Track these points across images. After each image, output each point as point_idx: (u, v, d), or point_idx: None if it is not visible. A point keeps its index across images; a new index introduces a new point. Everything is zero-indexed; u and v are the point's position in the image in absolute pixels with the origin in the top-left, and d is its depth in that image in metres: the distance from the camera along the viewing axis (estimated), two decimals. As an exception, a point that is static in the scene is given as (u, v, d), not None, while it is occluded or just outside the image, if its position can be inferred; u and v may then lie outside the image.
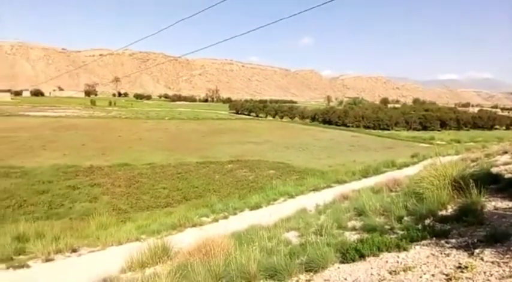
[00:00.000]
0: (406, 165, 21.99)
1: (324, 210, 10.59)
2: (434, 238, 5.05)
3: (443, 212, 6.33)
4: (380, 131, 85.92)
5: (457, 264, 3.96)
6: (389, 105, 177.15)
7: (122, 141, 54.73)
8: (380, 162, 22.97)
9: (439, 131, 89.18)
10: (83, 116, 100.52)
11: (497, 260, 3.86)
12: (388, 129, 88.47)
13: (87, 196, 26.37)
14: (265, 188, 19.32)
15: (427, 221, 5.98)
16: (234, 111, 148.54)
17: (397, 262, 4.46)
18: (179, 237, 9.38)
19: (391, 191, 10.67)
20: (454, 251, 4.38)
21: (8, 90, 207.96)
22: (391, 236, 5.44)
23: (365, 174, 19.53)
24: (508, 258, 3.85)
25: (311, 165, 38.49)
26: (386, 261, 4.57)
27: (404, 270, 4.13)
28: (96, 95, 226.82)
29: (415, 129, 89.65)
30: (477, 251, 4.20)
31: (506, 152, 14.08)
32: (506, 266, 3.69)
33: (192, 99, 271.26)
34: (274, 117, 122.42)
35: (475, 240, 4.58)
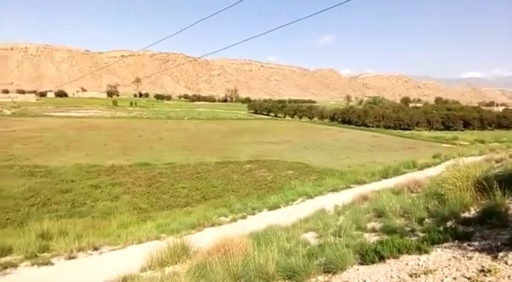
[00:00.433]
0: (428, 166, 21.56)
1: (343, 211, 10.50)
2: (456, 241, 4.94)
3: (466, 214, 6.18)
4: (401, 131, 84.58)
5: (480, 268, 3.87)
6: (410, 105, 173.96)
7: (143, 141, 55.60)
8: (400, 162, 22.59)
9: (462, 131, 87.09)
10: (105, 116, 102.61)
11: (522, 264, 3.75)
12: (409, 129, 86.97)
13: (108, 195, 26.91)
14: (284, 188, 19.28)
15: (449, 223, 5.86)
16: (253, 111, 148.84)
17: (418, 265, 4.39)
18: (198, 237, 9.45)
19: (412, 192, 10.49)
20: (477, 254, 4.28)
21: (34, 92, 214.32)
22: (412, 238, 5.35)
23: (385, 175, 19.23)
24: (533, 262, 3.74)
25: (330, 166, 38.21)
26: (407, 264, 4.50)
27: (425, 273, 4.06)
28: (118, 95, 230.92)
29: (437, 129, 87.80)
30: (501, 254, 4.09)
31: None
32: (532, 270, 3.59)
33: (211, 100, 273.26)
34: (292, 117, 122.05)
35: (499, 243, 4.46)
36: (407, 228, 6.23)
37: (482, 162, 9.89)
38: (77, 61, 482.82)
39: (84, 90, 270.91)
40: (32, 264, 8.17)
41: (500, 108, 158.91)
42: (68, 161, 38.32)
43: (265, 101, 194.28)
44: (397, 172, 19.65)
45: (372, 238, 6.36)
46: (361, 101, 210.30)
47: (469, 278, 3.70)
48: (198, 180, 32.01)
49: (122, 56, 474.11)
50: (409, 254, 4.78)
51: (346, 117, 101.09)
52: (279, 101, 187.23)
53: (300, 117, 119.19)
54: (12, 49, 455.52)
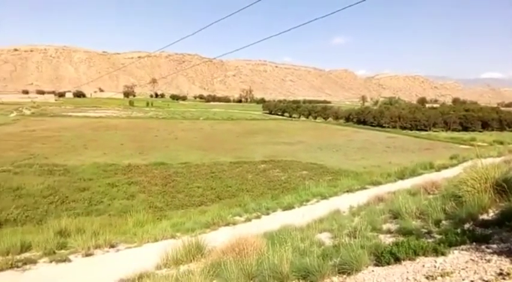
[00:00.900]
0: (445, 167, 21.19)
1: (358, 212, 10.41)
2: (474, 243, 4.86)
3: (484, 216, 6.07)
4: (417, 131, 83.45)
5: (498, 271, 3.80)
6: (427, 105, 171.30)
7: (159, 141, 56.20)
8: (417, 163, 22.26)
9: (480, 131, 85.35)
10: (121, 116, 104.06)
11: (543, 268, 3.67)
12: (426, 130, 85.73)
13: (125, 194, 27.30)
14: (298, 189, 19.22)
15: (466, 225, 5.77)
16: (268, 112, 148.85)
17: (435, 267, 4.33)
18: (213, 236, 9.50)
19: (429, 193, 10.34)
20: (495, 257, 4.20)
21: (53, 92, 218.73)
22: (428, 240, 5.29)
23: (401, 176, 18.97)
24: (554, 266, 3.66)
25: (345, 167, 37.95)
26: (423, 266, 4.44)
27: (441, 276, 4.01)
28: (134, 96, 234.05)
29: (454, 130, 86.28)
30: (520, 257, 4.01)
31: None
32: (553, 274, 3.51)
33: (226, 100, 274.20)
34: (307, 117, 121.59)
35: (518, 246, 4.37)
36: (424, 230, 6.16)
37: (501, 163, 9.69)
38: (95, 62, 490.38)
39: (101, 90, 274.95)
40: (50, 261, 8.32)
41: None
42: (86, 160, 39.02)
43: (279, 101, 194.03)
44: (413, 173, 19.37)
45: (387, 239, 6.31)
46: (376, 102, 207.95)
47: (487, 281, 3.65)
48: (213, 179, 32.20)
49: (139, 57, 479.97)
50: (426, 256, 4.72)
51: (361, 118, 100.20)
52: (294, 102, 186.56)
53: (315, 118, 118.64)
54: (32, 51, 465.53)
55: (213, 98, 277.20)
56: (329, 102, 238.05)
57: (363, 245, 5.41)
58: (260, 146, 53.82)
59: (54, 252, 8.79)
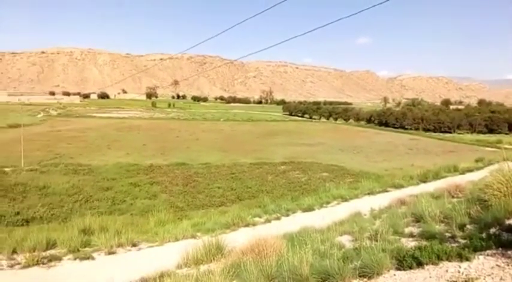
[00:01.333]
0: (470, 170, 20.68)
1: (380, 215, 10.27)
2: (500, 248, 4.73)
3: (511, 221, 5.90)
4: (441, 133, 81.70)
5: (526, 278, 3.69)
6: (451, 107, 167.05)
7: (180, 142, 56.87)
8: (440, 166, 21.79)
9: (506, 134, 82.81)
10: (144, 117, 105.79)
11: None
12: (450, 132, 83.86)
13: (147, 193, 27.76)
14: (318, 191, 19.12)
15: (492, 230, 5.61)
16: (288, 113, 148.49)
17: (459, 272, 4.24)
18: (232, 236, 9.54)
19: (453, 197, 10.12)
20: (523, 263, 4.08)
21: (78, 93, 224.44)
22: (452, 245, 5.18)
23: (424, 178, 18.60)
24: None
25: (366, 169, 37.48)
26: (446, 271, 4.35)
27: (466, 281, 3.92)
28: (156, 97, 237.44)
29: (480, 132, 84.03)
30: (549, 264, 3.88)
31: None
32: None
33: (246, 101, 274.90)
34: (328, 119, 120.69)
35: (547, 252, 4.23)
36: (448, 234, 6.03)
37: (530, 167, 9.38)
38: (118, 64, 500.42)
39: (125, 92, 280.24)
40: (75, 258, 8.54)
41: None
42: (109, 159, 39.85)
43: (300, 102, 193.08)
44: (436, 176, 18.96)
45: (409, 243, 6.20)
46: (399, 103, 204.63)
47: (513, 288, 3.55)
48: (233, 180, 32.35)
49: (161, 59, 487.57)
50: (449, 261, 4.62)
51: (383, 119, 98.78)
52: (314, 103, 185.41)
53: (335, 119, 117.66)
54: (58, 53, 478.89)
55: (234, 100, 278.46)
56: (350, 104, 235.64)
57: (384, 249, 5.34)
58: (280, 148, 53.74)
59: (78, 250, 9.03)
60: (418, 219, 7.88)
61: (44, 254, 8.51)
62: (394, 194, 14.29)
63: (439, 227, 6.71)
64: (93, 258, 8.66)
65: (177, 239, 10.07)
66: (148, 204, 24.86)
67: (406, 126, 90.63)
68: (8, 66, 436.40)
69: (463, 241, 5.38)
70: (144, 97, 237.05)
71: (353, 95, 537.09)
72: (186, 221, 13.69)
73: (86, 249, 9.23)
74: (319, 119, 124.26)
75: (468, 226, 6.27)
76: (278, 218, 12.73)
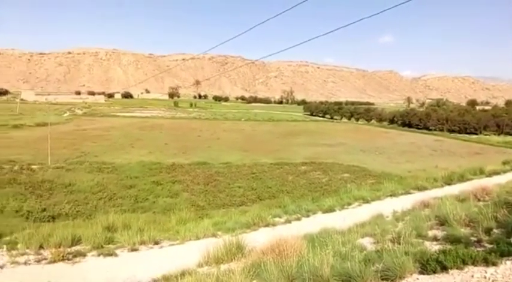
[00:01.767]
0: (497, 173, 20.06)
1: (402, 217, 10.11)
2: (529, 254, 4.59)
3: (541, 226, 5.71)
4: (467, 135, 79.52)
5: (556, 285, 3.57)
6: (477, 107, 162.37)
7: (201, 141, 57.36)
8: (466, 168, 21.24)
9: (536, 135, 79.75)
10: (166, 116, 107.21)
11: None
12: (476, 134, 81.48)
13: (169, 192, 28.13)
14: (339, 192, 18.95)
15: (520, 235, 5.45)
16: (309, 113, 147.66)
17: (485, 277, 4.14)
18: (253, 236, 9.58)
19: (479, 200, 9.86)
20: (553, 270, 3.95)
21: (102, 93, 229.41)
22: (478, 249, 5.06)
23: (448, 181, 18.16)
24: None
25: (388, 170, 36.91)
26: (472, 276, 4.26)
27: (492, 287, 3.83)
28: (178, 97, 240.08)
29: (507, 133, 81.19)
30: None
31: None
32: None
33: (267, 101, 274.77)
34: (349, 119, 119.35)
35: None
36: (473, 238, 5.89)
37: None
38: (142, 65, 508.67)
39: (148, 92, 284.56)
40: (99, 255, 8.76)
41: None
42: (133, 158, 40.57)
43: (321, 103, 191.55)
44: (462, 178, 18.49)
45: (433, 247, 6.09)
46: (423, 103, 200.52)
47: (543, 295, 3.44)
48: (254, 180, 32.42)
49: (183, 59, 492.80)
50: (475, 266, 4.52)
51: (406, 120, 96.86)
52: (336, 103, 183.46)
53: (357, 120, 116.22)
54: (84, 53, 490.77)
55: (254, 99, 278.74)
56: (372, 104, 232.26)
57: (407, 252, 5.26)
58: (301, 148, 53.50)
59: (102, 246, 9.25)
60: (442, 222, 7.73)
61: (69, 249, 8.75)
62: (417, 196, 14.04)
63: (464, 231, 6.56)
64: (116, 255, 8.85)
65: (198, 238, 10.17)
66: (170, 202, 25.20)
67: (430, 127, 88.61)
68: (36, 66, 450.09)
69: (489, 245, 5.25)
70: (166, 97, 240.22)
71: (375, 95, 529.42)
72: (207, 220, 13.81)
73: (110, 246, 9.44)
74: (341, 119, 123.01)
75: (495, 230, 6.11)
76: (298, 219, 12.68)
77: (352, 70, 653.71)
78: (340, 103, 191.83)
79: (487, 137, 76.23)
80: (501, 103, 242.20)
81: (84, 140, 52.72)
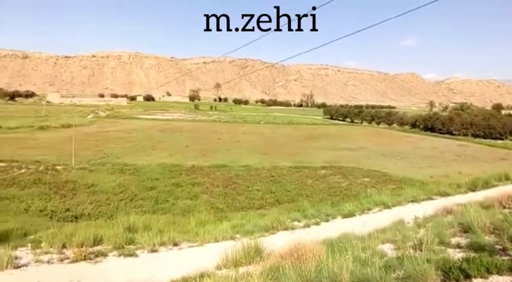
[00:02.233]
0: (524, 179, 19.43)
1: (424, 224, 9.90)
2: (556, 264, 4.45)
3: None
4: (492, 140, 77.39)
5: None
6: (503, 112, 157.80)
7: (221, 144, 57.69)
8: (491, 174, 20.63)
9: None
10: (187, 119, 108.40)
11: None
12: (502, 139, 79.23)
13: (188, 194, 28.40)
14: (359, 196, 18.71)
15: (548, 245, 5.28)
16: (329, 117, 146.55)
17: (510, 287, 4.03)
18: (271, 240, 9.58)
19: (504, 207, 9.58)
20: None
21: (125, 96, 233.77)
22: (503, 258, 4.93)
23: (472, 187, 17.69)
24: None
25: (410, 175, 36.27)
26: (496, 285, 4.15)
27: (517, 297, 3.72)
28: (199, 100, 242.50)
29: (534, 139, 78.69)
30: None
31: None
32: None
33: (287, 104, 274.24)
34: (370, 123, 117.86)
35: None
36: (498, 247, 5.73)
37: None
38: (163, 68, 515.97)
39: (169, 94, 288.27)
40: (119, 255, 8.90)
41: None
42: (153, 160, 41.16)
43: (341, 106, 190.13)
44: (486, 185, 17.98)
45: (456, 254, 5.95)
46: (446, 107, 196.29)
47: None
48: (273, 183, 32.39)
49: (204, 62, 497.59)
50: (500, 275, 4.40)
51: (428, 124, 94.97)
52: (356, 107, 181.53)
53: (378, 124, 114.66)
54: (108, 57, 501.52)
55: (274, 103, 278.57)
56: (393, 108, 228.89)
57: (429, 259, 5.16)
58: (320, 151, 53.16)
59: (123, 247, 9.40)
60: (465, 229, 7.54)
61: (91, 249, 8.92)
62: (440, 202, 13.73)
63: (488, 239, 6.39)
64: (136, 256, 8.98)
65: (216, 240, 10.22)
66: (189, 204, 25.42)
67: (454, 132, 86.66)
68: (61, 69, 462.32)
69: (515, 255, 5.10)
70: (187, 100, 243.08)
71: (397, 99, 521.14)
72: (225, 223, 13.85)
73: (130, 246, 9.58)
74: (361, 123, 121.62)
75: (521, 239, 5.93)
76: (317, 223, 12.60)
77: (373, 73, 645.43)
78: (360, 106, 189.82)
79: (514, 142, 74.02)
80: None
81: (107, 142, 53.82)
